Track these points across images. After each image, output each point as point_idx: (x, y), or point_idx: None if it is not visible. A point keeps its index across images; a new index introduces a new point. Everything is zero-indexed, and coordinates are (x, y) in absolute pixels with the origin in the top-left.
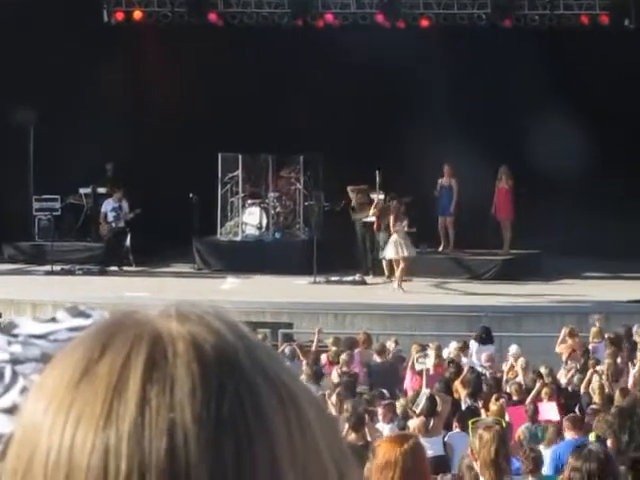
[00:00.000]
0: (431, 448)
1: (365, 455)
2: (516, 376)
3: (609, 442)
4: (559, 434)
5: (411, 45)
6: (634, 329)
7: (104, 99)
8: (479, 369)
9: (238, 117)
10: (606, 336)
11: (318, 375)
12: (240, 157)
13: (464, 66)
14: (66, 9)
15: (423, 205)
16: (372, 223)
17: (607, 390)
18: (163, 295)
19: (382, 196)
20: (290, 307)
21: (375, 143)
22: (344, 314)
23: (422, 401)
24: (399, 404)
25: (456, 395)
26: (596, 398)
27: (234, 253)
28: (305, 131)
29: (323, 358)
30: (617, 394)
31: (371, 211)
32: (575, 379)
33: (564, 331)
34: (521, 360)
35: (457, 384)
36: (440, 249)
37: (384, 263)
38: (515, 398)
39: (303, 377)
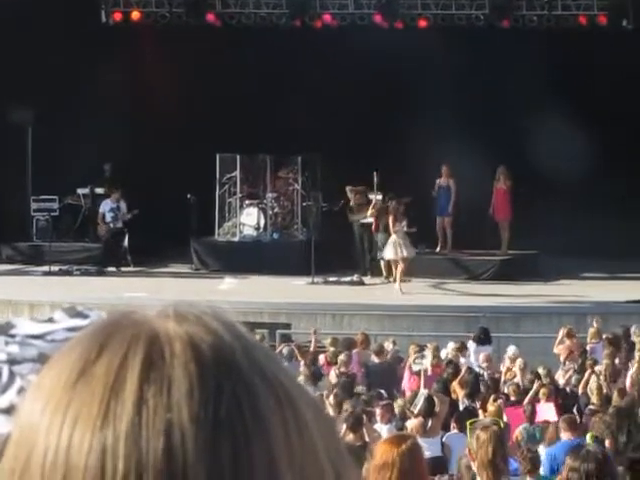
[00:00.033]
0: (429, 449)
1: (363, 455)
2: (514, 377)
3: (607, 442)
4: (558, 434)
5: (409, 46)
6: (632, 329)
7: (102, 99)
8: (477, 370)
9: (236, 117)
10: (604, 336)
11: (316, 376)
12: (238, 157)
13: (462, 67)
14: (64, 10)
15: (422, 205)
16: (370, 224)
17: (605, 391)
18: (161, 295)
19: (380, 197)
20: (288, 307)
21: (373, 143)
22: (342, 314)
23: (420, 402)
24: (397, 405)
25: (454, 396)
26: (594, 399)
27: (232, 253)
28: (303, 131)
29: (321, 359)
30: (615, 395)
31: (369, 212)
32: (573, 380)
33: (562, 332)
34: (519, 361)
35: (455, 385)
36: (437, 249)
37: (382, 263)
38: (513, 399)
39: (301, 378)
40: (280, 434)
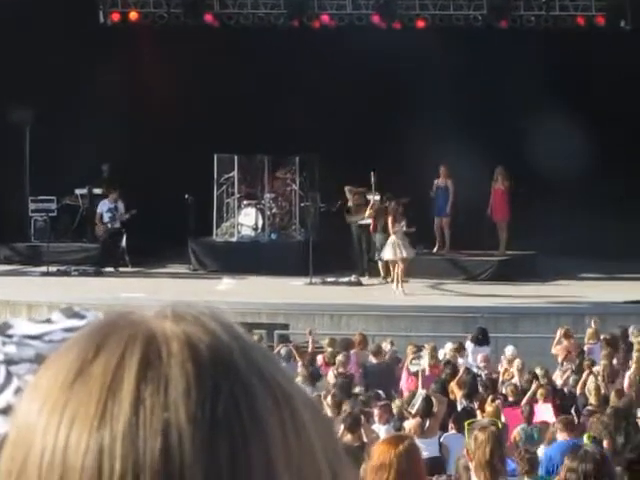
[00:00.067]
0: (427, 449)
1: (361, 456)
2: (512, 377)
3: (605, 443)
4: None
5: (407, 46)
6: (630, 330)
7: (100, 100)
8: (475, 370)
9: (234, 118)
10: (602, 337)
11: (315, 376)
12: (236, 158)
13: (460, 67)
14: (62, 10)
15: (420, 206)
16: (368, 225)
17: (603, 391)
18: (159, 296)
19: (377, 197)
20: (286, 308)
21: (371, 144)
22: (340, 315)
23: (418, 402)
24: (395, 405)
25: (452, 396)
26: (592, 399)
27: (230, 254)
28: (301, 132)
29: (319, 359)
30: (613, 395)
31: (367, 212)
32: (571, 380)
33: (559, 332)
34: (517, 361)
35: (453, 385)
36: (435, 250)
37: (380, 264)
38: (511, 399)
39: (299, 378)
40: (278, 434)
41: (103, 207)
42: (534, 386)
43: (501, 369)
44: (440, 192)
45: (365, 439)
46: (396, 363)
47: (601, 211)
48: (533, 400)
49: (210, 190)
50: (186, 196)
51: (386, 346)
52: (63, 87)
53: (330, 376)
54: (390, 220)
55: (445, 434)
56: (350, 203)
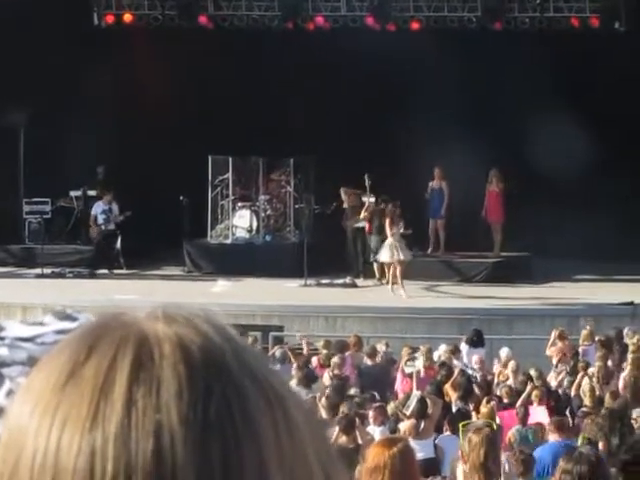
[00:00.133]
0: (422, 450)
1: (356, 458)
2: (507, 379)
3: (600, 445)
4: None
5: (401, 48)
6: (625, 331)
7: (95, 102)
8: (470, 372)
9: (228, 120)
10: (596, 339)
11: (310, 378)
12: (230, 160)
13: (455, 69)
14: (56, 12)
15: (414, 208)
16: (363, 227)
17: (598, 393)
18: (153, 298)
19: (372, 199)
20: (281, 310)
21: (366, 146)
22: (335, 317)
23: (413, 403)
24: (390, 407)
25: (447, 398)
26: (587, 401)
27: (224, 256)
28: (296, 134)
29: (314, 361)
30: (607, 397)
31: (362, 214)
32: (565, 382)
33: (554, 334)
34: (511, 363)
35: (447, 387)
36: (429, 251)
37: (375, 266)
38: (506, 401)
39: (294, 380)
40: (270, 436)
41: (97, 209)
42: (529, 388)
43: (496, 371)
44: (435, 194)
45: (360, 441)
46: (391, 365)
47: (596, 213)
48: (528, 402)
49: (205, 192)
50: (181, 198)
51: (381, 348)
52: (57, 89)
53: (325, 378)
54: (387, 222)
55: (440, 436)
56: (345, 204)
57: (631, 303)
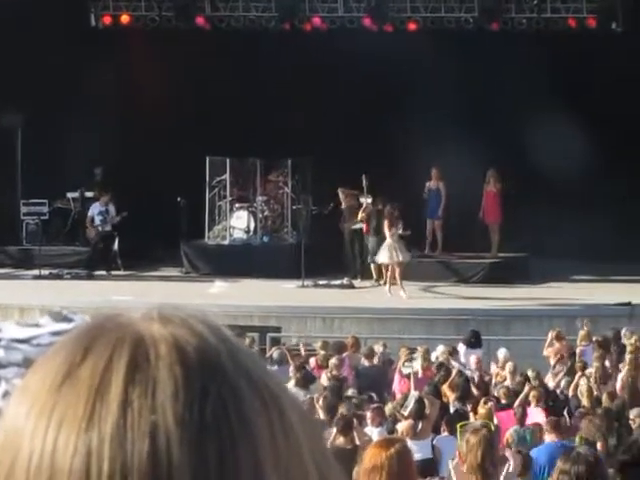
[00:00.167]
0: (419, 451)
1: (353, 459)
2: (504, 380)
3: (599, 445)
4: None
5: (399, 49)
6: (622, 332)
7: (93, 103)
8: (467, 372)
9: (226, 121)
10: (594, 339)
11: (308, 379)
12: (228, 161)
13: (452, 69)
14: (54, 13)
15: (412, 208)
16: (361, 229)
17: (595, 393)
18: (150, 299)
19: (370, 200)
20: (278, 311)
21: (363, 147)
22: (332, 318)
23: (410, 404)
24: (387, 408)
25: (444, 399)
26: (584, 401)
27: (222, 257)
28: (293, 135)
29: (312, 362)
30: (605, 397)
31: (359, 215)
32: (563, 382)
33: (551, 334)
34: (509, 364)
35: (445, 388)
36: (426, 252)
37: (372, 267)
38: (503, 401)
39: (292, 381)
40: (266, 436)
41: (94, 210)
42: (527, 388)
43: (493, 371)
44: (432, 194)
45: (358, 442)
46: (388, 366)
47: (592, 213)
48: (526, 402)
49: (202, 193)
50: (178, 199)
51: (378, 349)
52: (55, 90)
53: (323, 379)
54: (386, 224)
55: (437, 436)
56: (343, 205)
57: (628, 303)
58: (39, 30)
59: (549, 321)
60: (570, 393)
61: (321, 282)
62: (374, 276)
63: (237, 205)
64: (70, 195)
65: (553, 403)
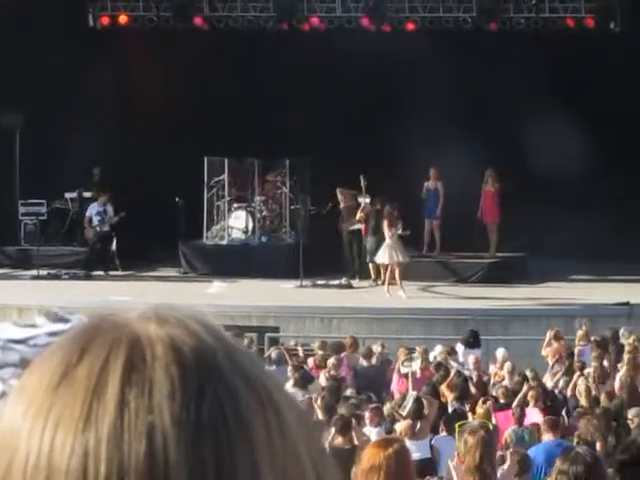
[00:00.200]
0: (418, 451)
1: (352, 459)
2: (502, 379)
3: (598, 446)
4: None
5: (397, 49)
6: (621, 332)
7: (91, 103)
8: (466, 372)
9: (224, 121)
10: (592, 339)
11: (306, 379)
12: (226, 161)
13: (450, 69)
14: (52, 14)
15: (412, 208)
16: (359, 230)
17: (594, 393)
18: (148, 299)
19: (368, 200)
20: (276, 311)
21: (361, 146)
22: (330, 318)
23: (409, 403)
24: (386, 408)
25: (443, 399)
26: (583, 401)
27: (220, 257)
28: (291, 135)
29: (310, 362)
30: (603, 397)
31: (358, 215)
32: (561, 382)
33: (549, 334)
34: (507, 364)
35: (443, 388)
36: (423, 252)
37: (370, 267)
38: (502, 401)
39: (290, 381)
40: (262, 436)
41: (92, 210)
42: (525, 388)
43: (492, 371)
44: (430, 194)
45: (356, 442)
46: (387, 366)
47: (590, 213)
48: (524, 402)
49: (200, 193)
50: (176, 199)
51: (377, 349)
52: (53, 90)
53: (322, 379)
54: (386, 224)
55: (436, 436)
56: (342, 205)
57: (627, 303)
58: (37, 30)
59: (547, 321)
60: (568, 393)
61: (319, 282)
62: (372, 276)
63: (235, 205)
64: (68, 195)
65: (551, 403)
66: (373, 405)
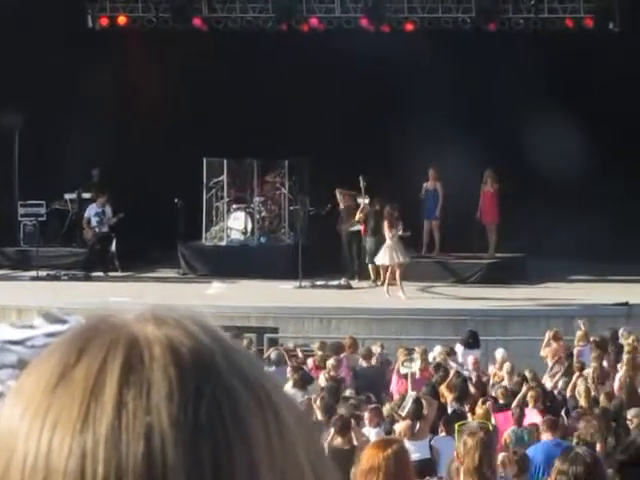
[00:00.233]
0: (417, 451)
1: (351, 459)
2: (502, 380)
3: (598, 447)
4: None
5: (396, 49)
6: (620, 332)
7: (90, 104)
8: (465, 373)
9: (223, 122)
10: (591, 339)
11: (306, 380)
12: (225, 162)
13: (449, 70)
14: (50, 15)
15: (411, 209)
16: (359, 231)
17: (593, 393)
18: (146, 300)
19: (367, 200)
20: (275, 312)
21: (360, 147)
22: (329, 318)
23: (408, 404)
24: (385, 408)
25: (442, 399)
26: (582, 402)
27: (219, 258)
28: (290, 135)
29: (309, 363)
30: (602, 397)
31: (357, 216)
32: (560, 383)
33: (548, 334)
34: (507, 364)
35: (443, 388)
36: (422, 252)
37: (370, 267)
38: (501, 402)
39: (290, 382)
40: (261, 437)
41: (90, 211)
42: (524, 388)
43: (491, 372)
44: (429, 195)
45: (355, 442)
46: (386, 366)
47: (590, 213)
48: (523, 403)
49: (199, 194)
50: (175, 200)
51: (376, 349)
52: (52, 91)
53: (321, 379)
54: (386, 225)
55: (435, 437)
56: (341, 206)
57: (626, 304)
58: (36, 31)
59: (546, 321)
60: (568, 393)
61: (319, 283)
62: (372, 277)
63: (234, 206)
64: (67, 196)
65: (551, 404)
66: (372, 406)
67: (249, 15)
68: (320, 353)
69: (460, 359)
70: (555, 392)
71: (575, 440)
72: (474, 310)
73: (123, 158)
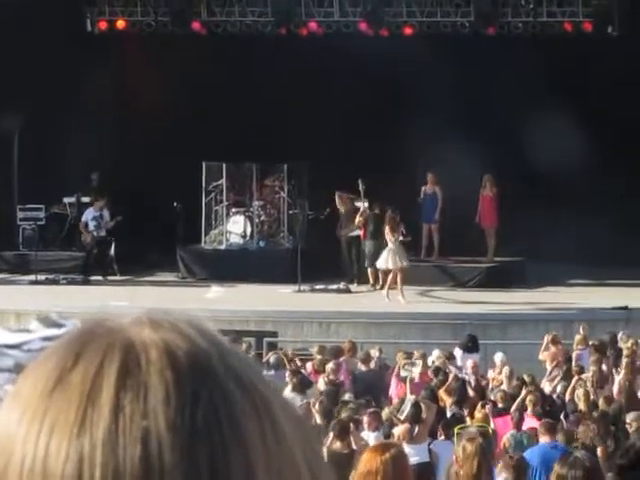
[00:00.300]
0: (416, 455)
1: (350, 463)
2: (501, 384)
3: (599, 451)
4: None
5: (395, 53)
6: (619, 336)
7: (89, 108)
8: (464, 377)
9: (222, 125)
10: (590, 343)
11: (305, 384)
12: (224, 166)
13: (448, 74)
14: (49, 18)
15: (410, 213)
16: (358, 236)
17: (592, 397)
18: (145, 304)
19: (367, 204)
20: (274, 316)
21: (359, 151)
22: (329, 322)
23: (407, 408)
24: (384, 412)
25: (441, 403)
26: (581, 406)
27: (218, 262)
28: (289, 139)
29: (308, 367)
30: (601, 401)
31: (356, 219)
32: (559, 387)
33: (547, 338)
34: (506, 368)
35: (442, 392)
36: (421, 256)
37: (369, 271)
38: (500, 406)
39: (289, 386)
40: (257, 440)
41: (88, 215)
42: (523, 392)
43: (490, 376)
44: (428, 199)
45: (354, 446)
46: (385, 371)
47: (588, 218)
48: (522, 407)
49: (198, 198)
50: (175, 204)
51: (375, 353)
52: (52, 95)
53: (320, 383)
54: (388, 229)
55: (434, 441)
56: (341, 209)
57: (625, 307)
58: (36, 35)
59: (545, 325)
60: (567, 397)
61: (318, 287)
62: (371, 281)
63: (233, 210)
64: (66, 200)
65: (550, 408)
66: (371, 409)
67: (248, 19)
68: (319, 357)
69: (459, 363)
70: (554, 396)
71: (575, 445)
72: (473, 314)
73: (122, 162)
